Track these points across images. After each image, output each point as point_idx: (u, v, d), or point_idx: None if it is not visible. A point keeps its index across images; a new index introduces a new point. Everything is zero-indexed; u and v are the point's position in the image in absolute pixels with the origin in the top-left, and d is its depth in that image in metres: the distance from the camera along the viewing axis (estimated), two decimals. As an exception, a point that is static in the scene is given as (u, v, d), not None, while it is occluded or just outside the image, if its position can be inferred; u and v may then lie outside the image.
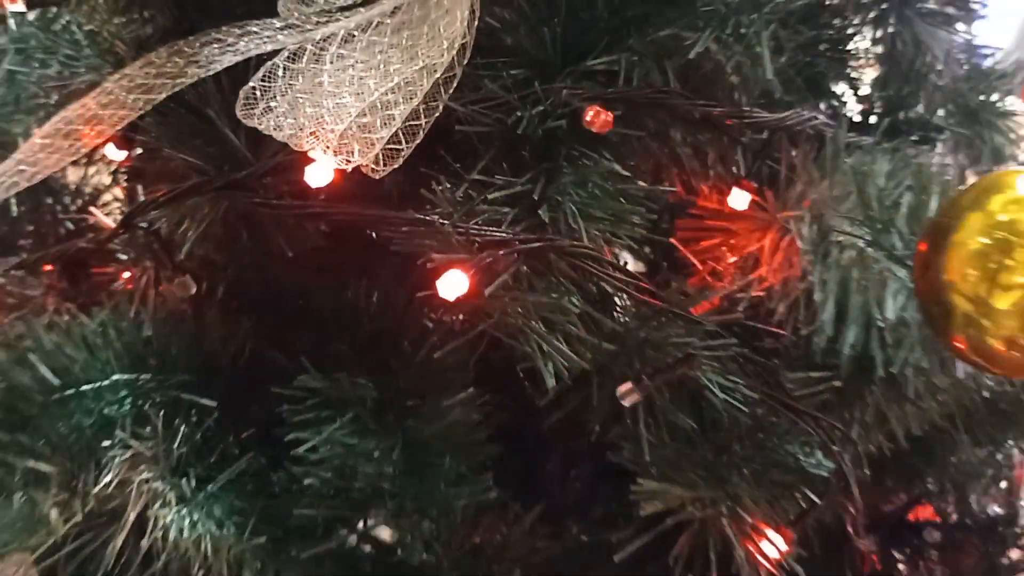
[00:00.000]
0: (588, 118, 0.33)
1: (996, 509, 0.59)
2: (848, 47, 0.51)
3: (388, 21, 0.35)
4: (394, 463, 0.37)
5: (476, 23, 0.34)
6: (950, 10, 0.56)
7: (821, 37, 0.50)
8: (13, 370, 0.36)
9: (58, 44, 0.51)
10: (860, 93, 0.53)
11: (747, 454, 0.37)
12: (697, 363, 0.35)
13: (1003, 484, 0.59)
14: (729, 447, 0.37)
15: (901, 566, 0.56)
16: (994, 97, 0.62)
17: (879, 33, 0.55)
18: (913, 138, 0.53)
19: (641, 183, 0.36)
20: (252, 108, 0.34)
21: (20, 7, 0.47)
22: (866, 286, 0.34)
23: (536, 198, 0.34)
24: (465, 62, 0.34)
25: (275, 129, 0.33)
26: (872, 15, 0.54)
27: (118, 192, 0.62)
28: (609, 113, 0.33)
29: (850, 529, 0.44)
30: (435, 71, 0.33)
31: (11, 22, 0.57)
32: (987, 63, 0.63)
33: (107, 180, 0.61)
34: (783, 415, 0.37)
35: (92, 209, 0.51)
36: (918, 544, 0.57)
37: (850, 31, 0.52)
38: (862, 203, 0.35)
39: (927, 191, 0.33)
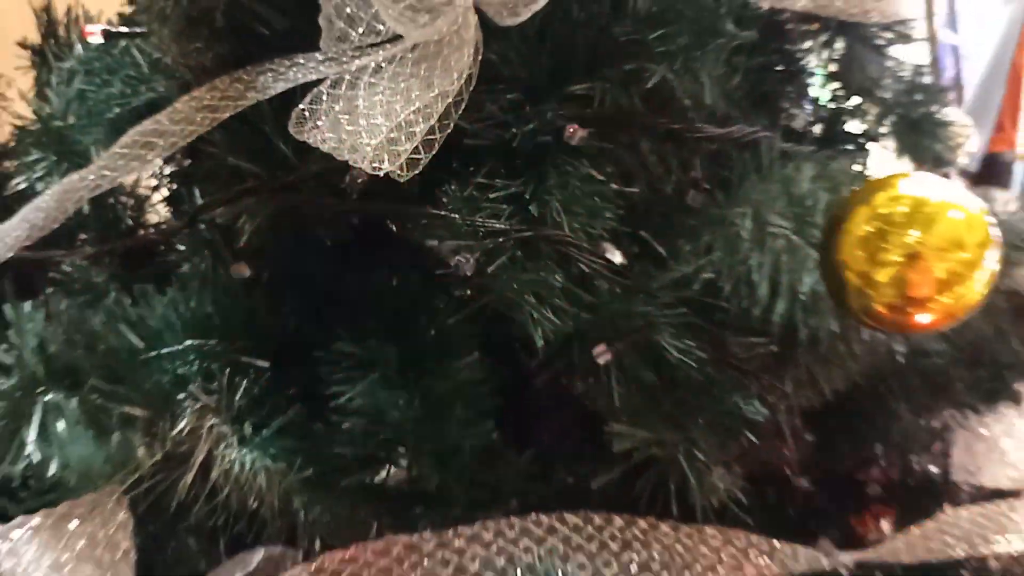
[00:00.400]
0: (568, 133, 0.42)
1: (933, 468, 0.67)
2: (798, 69, 0.60)
3: (409, 56, 0.43)
4: (414, 411, 0.45)
5: (479, 57, 0.43)
6: (888, 35, 0.65)
7: (774, 61, 0.59)
8: (109, 336, 0.45)
9: (120, 67, 0.60)
10: (809, 108, 0.62)
11: (699, 404, 0.45)
12: (657, 329, 0.44)
13: (938, 447, 0.68)
14: (685, 399, 0.45)
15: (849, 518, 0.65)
16: (933, 109, 0.71)
17: (827, 56, 0.65)
18: (850, 147, 0.62)
19: (613, 185, 0.45)
20: (302, 126, 0.43)
21: (99, 37, 0.56)
22: (791, 268, 0.43)
23: (528, 197, 0.43)
24: (471, 89, 0.43)
25: (321, 143, 0.42)
26: (821, 40, 0.63)
27: (164, 193, 0.71)
28: (585, 130, 0.41)
29: (786, 468, 0.52)
30: (447, 97, 0.42)
31: (78, 47, 0.66)
32: (926, 80, 0.72)
33: (153, 183, 0.70)
34: (729, 373, 0.45)
35: (157, 207, 0.59)
36: (864, 498, 0.66)
37: (800, 55, 0.60)
38: (790, 201, 0.44)
39: (839, 190, 0.42)
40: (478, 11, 0.43)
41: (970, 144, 2.26)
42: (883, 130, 0.69)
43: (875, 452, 0.63)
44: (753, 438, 0.46)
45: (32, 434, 0.42)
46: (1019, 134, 2.44)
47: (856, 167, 0.43)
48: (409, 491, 0.46)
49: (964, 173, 2.49)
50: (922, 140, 0.71)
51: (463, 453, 0.45)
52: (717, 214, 0.47)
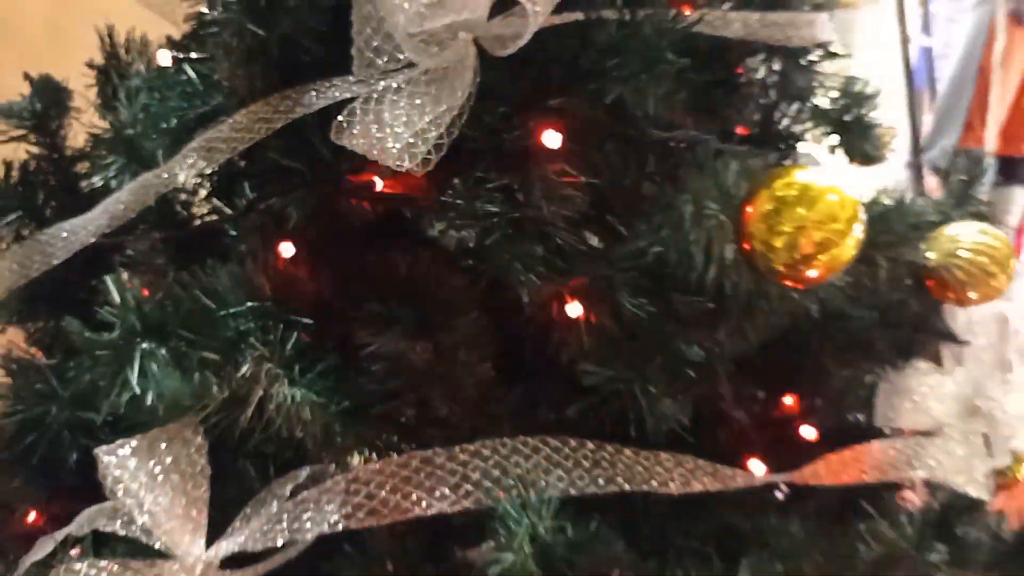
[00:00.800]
0: (546, 138, 0.54)
1: (859, 417, 0.80)
2: (740, 83, 0.73)
3: (423, 79, 0.55)
4: (427, 357, 0.57)
5: (477, 79, 0.55)
6: (820, 52, 0.78)
7: (719, 76, 0.71)
8: (187, 300, 0.57)
9: (177, 84, 0.72)
10: (750, 114, 0.75)
11: (651, 349, 0.58)
12: (617, 290, 0.56)
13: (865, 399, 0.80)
14: (639, 345, 0.58)
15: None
16: (862, 113, 0.84)
17: (768, 70, 0.77)
18: (782, 147, 0.75)
19: (582, 178, 0.57)
20: (340, 133, 0.55)
21: (166, 61, 0.68)
22: (720, 241, 0.55)
23: (515, 188, 0.55)
24: (470, 103, 0.55)
25: (356, 146, 0.54)
26: (762, 58, 0.76)
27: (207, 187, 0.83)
28: (559, 135, 0.54)
29: (723, 404, 0.65)
30: (453, 110, 0.54)
31: (140, 67, 0.78)
32: (857, 88, 0.84)
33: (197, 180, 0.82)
34: (674, 324, 0.58)
35: (214, 200, 0.71)
36: (800, 444, 0.78)
37: (741, 72, 0.73)
38: (719, 190, 0.56)
39: (755, 180, 0.54)
40: (476, 44, 0.55)
41: (946, 141, 2.40)
42: (818, 132, 0.82)
43: (811, 400, 0.76)
44: (693, 375, 0.58)
45: (134, 374, 0.54)
46: (987, 132, 2.57)
47: (769, 162, 0.55)
48: (423, 419, 0.58)
49: (936, 169, 2.62)
50: (853, 140, 0.84)
51: (466, 389, 0.58)
52: (665, 201, 0.59)
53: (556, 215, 0.55)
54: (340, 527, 0.56)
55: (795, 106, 0.77)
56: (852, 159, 0.85)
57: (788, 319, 0.61)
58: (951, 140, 2.59)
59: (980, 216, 0.74)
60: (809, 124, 0.81)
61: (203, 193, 0.78)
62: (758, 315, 0.58)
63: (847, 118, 0.82)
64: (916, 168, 2.64)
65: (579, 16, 0.55)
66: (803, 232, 0.48)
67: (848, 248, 0.49)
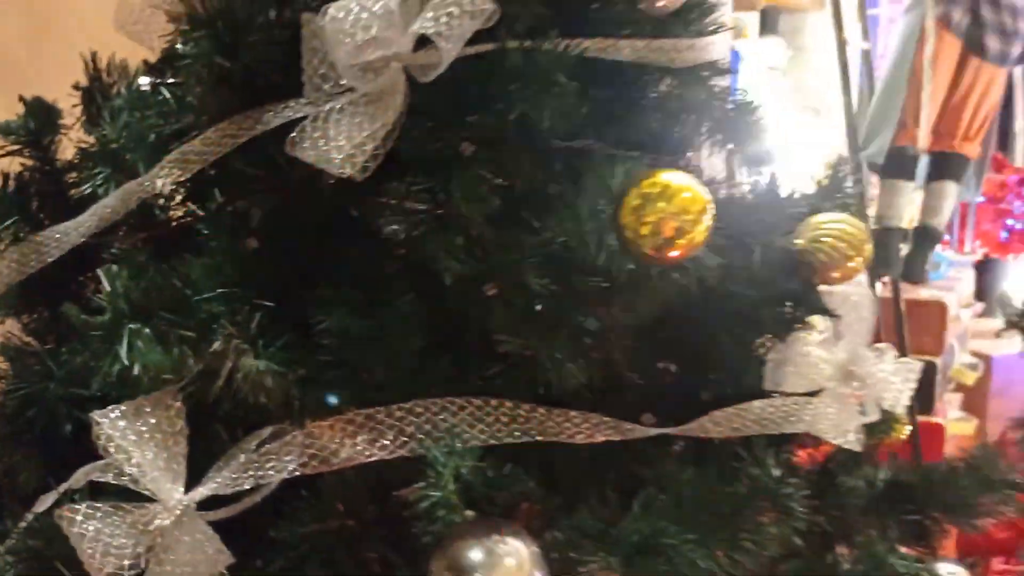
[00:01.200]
0: (463, 149, 0.66)
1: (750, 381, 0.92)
2: (636, 97, 0.85)
3: (362, 100, 0.67)
4: (370, 331, 0.69)
5: (406, 100, 0.67)
6: (708, 71, 0.90)
7: (620, 92, 0.83)
8: (167, 287, 0.68)
9: (155, 104, 0.83)
10: (649, 125, 0.87)
11: (556, 321, 0.70)
12: (526, 273, 0.68)
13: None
14: (546, 317, 0.70)
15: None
16: (749, 122, 0.97)
17: (663, 88, 0.89)
18: (677, 153, 0.87)
19: (499, 181, 0.69)
20: (294, 146, 0.66)
21: (146, 85, 0.79)
22: (608, 231, 0.67)
23: (439, 191, 0.67)
24: (401, 121, 0.67)
25: (306, 157, 0.65)
26: (655, 77, 0.88)
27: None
28: (474, 146, 0.66)
29: (621, 369, 0.77)
30: (387, 126, 0.66)
31: (122, 88, 0.89)
32: (745, 99, 0.97)
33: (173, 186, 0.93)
34: (574, 300, 0.70)
35: (189, 204, 0.82)
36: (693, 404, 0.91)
37: (638, 89, 0.85)
38: (608, 189, 0.68)
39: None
40: (406, 72, 0.67)
41: (881, 139, 2.58)
42: (710, 138, 0.94)
43: (705, 365, 0.88)
44: (591, 343, 0.70)
45: (123, 349, 0.65)
46: (920, 130, 2.73)
47: (643, 165, 0.67)
48: (367, 383, 0.69)
49: (872, 166, 2.80)
50: (744, 145, 0.96)
51: (401, 357, 0.69)
52: (568, 199, 0.71)
53: (474, 212, 0.67)
54: (297, 474, 0.67)
55: (691, 117, 0.89)
56: (745, 164, 0.98)
57: (673, 296, 0.73)
58: (886, 138, 2.75)
59: (845, 207, 0.87)
60: (705, 133, 0.94)
61: (179, 198, 0.89)
62: (643, 292, 0.70)
63: (735, 127, 0.95)
64: (854, 165, 2.80)
65: (489, 47, 0.67)
66: (663, 222, 0.60)
67: (700, 233, 0.61)
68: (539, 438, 0.72)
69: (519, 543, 0.63)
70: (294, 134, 0.66)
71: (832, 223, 0.82)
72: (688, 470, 0.77)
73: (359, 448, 0.67)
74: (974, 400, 3.69)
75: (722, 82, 0.92)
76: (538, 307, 0.70)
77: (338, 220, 0.73)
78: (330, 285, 0.70)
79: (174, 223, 0.83)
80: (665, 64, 0.78)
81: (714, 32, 0.84)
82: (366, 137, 0.65)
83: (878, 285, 2.97)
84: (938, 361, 3.19)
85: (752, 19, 3.60)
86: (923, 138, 2.73)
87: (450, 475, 0.64)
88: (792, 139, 3.83)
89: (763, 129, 0.96)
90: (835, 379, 0.89)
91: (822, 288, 0.90)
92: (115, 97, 0.86)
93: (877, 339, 2.78)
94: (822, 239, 0.81)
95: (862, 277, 0.94)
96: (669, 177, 0.62)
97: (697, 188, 0.62)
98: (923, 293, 3.24)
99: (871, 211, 2.84)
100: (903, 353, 3.04)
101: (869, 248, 0.83)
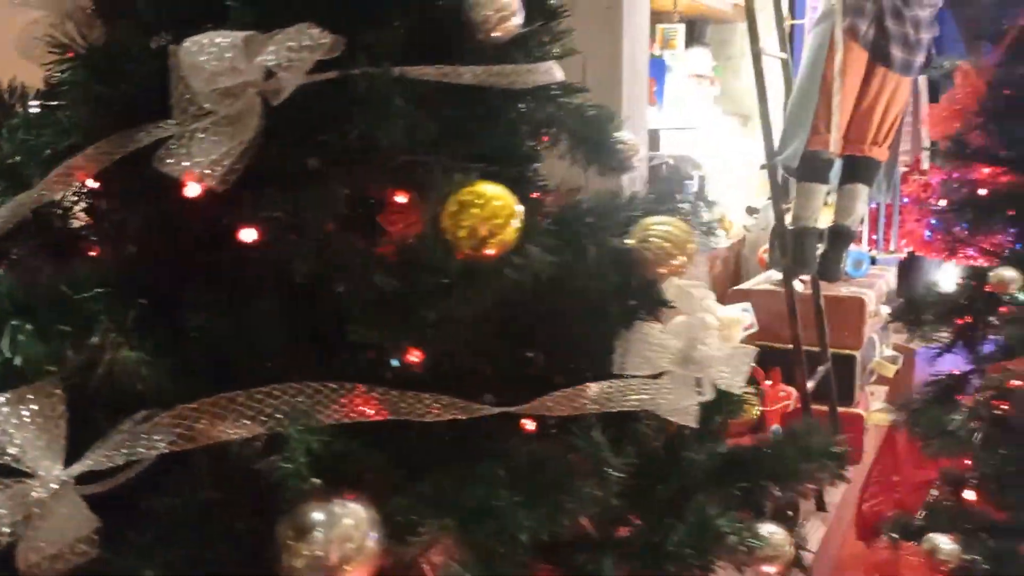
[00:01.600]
0: (310, 165, 0.75)
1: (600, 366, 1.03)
2: (492, 117, 0.95)
3: (222, 121, 0.76)
4: (238, 325, 0.78)
5: (261, 121, 0.76)
6: (561, 91, 1.00)
7: (471, 111, 0.93)
8: (51, 288, 0.76)
9: (49, 123, 0.91)
10: (500, 139, 0.97)
11: (400, 312, 0.79)
12: (372, 270, 0.78)
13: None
14: (391, 309, 0.79)
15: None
16: (606, 132, 1.07)
17: (520, 107, 0.99)
18: (526, 164, 0.97)
19: (346, 190, 0.79)
20: (162, 162, 0.75)
21: (36, 108, 0.88)
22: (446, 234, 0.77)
23: (291, 201, 0.76)
24: (257, 140, 0.76)
25: (173, 171, 0.74)
26: (511, 98, 0.98)
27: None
28: (318, 160, 0.75)
29: (466, 356, 0.87)
30: (243, 144, 0.75)
31: (20, 108, 0.97)
32: (601, 113, 1.07)
33: (74, 198, 1.02)
34: (417, 292, 0.80)
35: (80, 214, 0.91)
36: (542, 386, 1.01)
37: (491, 108, 0.95)
38: (443, 197, 0.78)
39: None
40: (261, 95, 0.76)
41: (795, 145, 2.72)
42: (569, 149, 1.04)
43: (554, 351, 0.98)
44: (434, 333, 0.80)
45: (6, 342, 0.73)
46: (831, 135, 2.87)
47: (470, 175, 0.77)
48: (233, 369, 0.78)
49: (788, 169, 2.93)
50: (600, 155, 1.07)
51: (263, 349, 0.78)
52: (416, 205, 0.81)
53: (323, 219, 0.77)
54: (167, 451, 0.76)
55: (542, 131, 1.00)
56: (601, 172, 1.08)
57: (510, 289, 0.83)
58: (800, 143, 2.88)
59: (676, 212, 0.98)
60: (560, 145, 1.04)
61: (75, 208, 0.97)
62: (477, 286, 0.80)
63: (593, 137, 1.05)
64: (771, 170, 2.94)
65: (332, 74, 0.76)
66: (477, 225, 0.71)
67: (510, 233, 0.71)
68: (391, 417, 0.82)
69: (357, 507, 0.73)
70: (161, 151, 0.75)
71: (660, 225, 0.92)
72: (529, 445, 0.87)
73: (221, 427, 0.76)
74: (898, 392, 3.87)
75: (577, 99, 1.03)
76: (385, 302, 0.79)
77: (208, 228, 0.82)
78: (200, 286, 0.79)
79: (68, 231, 0.91)
80: (507, 86, 0.88)
81: (558, 57, 0.94)
82: (223, 154, 0.74)
83: (797, 283, 3.12)
84: (857, 355, 3.35)
85: (679, 30, 3.75)
86: (835, 143, 2.87)
87: (301, 449, 0.73)
88: (721, 144, 3.99)
89: (620, 141, 1.07)
90: (675, 363, 1.00)
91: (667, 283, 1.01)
92: (15, 117, 0.94)
93: (796, 334, 2.90)
94: (650, 239, 0.92)
95: (699, 271, 1.05)
96: (484, 187, 0.72)
97: (507, 196, 0.72)
98: (843, 290, 3.40)
99: (788, 213, 2.98)
100: (823, 347, 3.21)
101: (692, 247, 0.94)
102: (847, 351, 3.31)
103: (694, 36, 3.94)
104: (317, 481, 0.73)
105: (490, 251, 0.72)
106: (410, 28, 0.85)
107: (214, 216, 0.80)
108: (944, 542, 1.19)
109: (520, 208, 0.72)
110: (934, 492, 1.31)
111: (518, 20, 0.85)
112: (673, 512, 0.97)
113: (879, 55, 2.85)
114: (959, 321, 1.71)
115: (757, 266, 3.79)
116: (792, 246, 2.92)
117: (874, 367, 3.52)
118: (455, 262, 0.76)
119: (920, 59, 2.88)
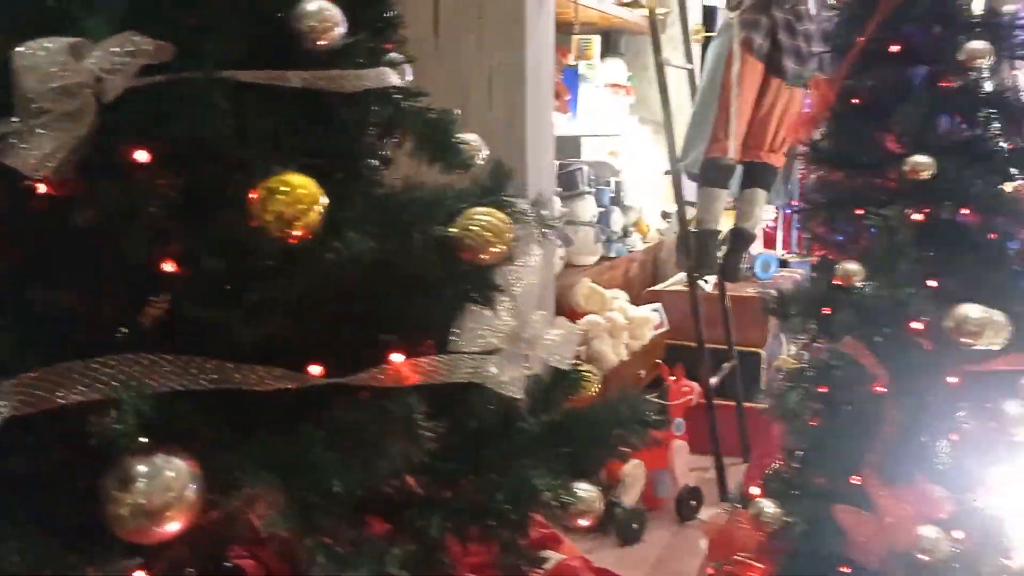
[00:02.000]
0: (137, 156, 0.84)
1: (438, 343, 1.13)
2: (328, 118, 1.05)
3: (59, 117, 0.84)
4: (74, 304, 0.86)
5: (95, 117, 0.85)
6: (402, 95, 1.11)
7: (309, 113, 1.03)
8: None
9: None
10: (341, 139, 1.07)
11: (230, 293, 0.89)
12: (201, 253, 0.87)
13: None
14: (222, 290, 0.88)
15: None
16: (448, 134, 1.18)
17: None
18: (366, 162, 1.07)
19: (178, 181, 0.88)
20: (4, 154, 0.83)
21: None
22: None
23: (122, 188, 0.85)
24: (93, 133, 0.85)
25: (13, 164, 0.83)
26: (349, 100, 1.08)
27: None
28: (149, 153, 0.84)
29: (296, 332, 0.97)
30: (79, 139, 0.84)
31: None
32: (444, 116, 1.18)
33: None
34: (243, 276, 0.89)
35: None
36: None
37: (328, 109, 1.05)
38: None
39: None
40: (95, 95, 0.85)
41: (696, 151, 2.88)
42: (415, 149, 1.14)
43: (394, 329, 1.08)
44: (262, 312, 0.89)
45: None
46: (730, 142, 3.03)
47: (288, 169, 0.87)
48: (75, 343, 0.87)
49: (690, 175, 3.10)
50: (444, 154, 1.17)
51: (102, 322, 0.87)
52: (235, 196, 0.90)
53: (152, 205, 0.86)
54: (10, 415, 0.84)
55: (385, 131, 1.10)
56: (447, 169, 1.18)
57: (338, 273, 0.93)
58: (700, 150, 3.04)
59: (500, 204, 1.08)
60: (406, 145, 1.14)
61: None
62: (298, 269, 0.90)
63: (436, 139, 1.16)
64: (675, 175, 3.09)
65: (161, 78, 0.85)
66: (282, 210, 0.80)
67: (314, 216, 0.81)
68: (224, 386, 0.91)
69: (179, 461, 0.81)
70: (1, 144, 0.84)
71: (481, 215, 1.03)
72: (353, 412, 0.96)
73: (59, 393, 0.84)
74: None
75: (420, 102, 1.13)
76: (213, 282, 0.88)
77: (55, 218, 0.90)
78: (45, 271, 0.88)
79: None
80: (336, 89, 0.97)
81: (388, 65, 1.04)
82: (57, 147, 0.83)
83: (703, 283, 3.27)
84: (762, 351, 3.51)
85: (595, 41, 3.90)
86: (733, 150, 3.03)
87: (133, 411, 0.82)
88: (637, 151, 4.14)
89: (463, 141, 1.17)
90: (506, 341, 1.11)
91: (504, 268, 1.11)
92: None
93: (699, 332, 3.06)
94: (471, 228, 1.02)
95: (535, 258, 1.16)
96: (291, 177, 0.82)
97: (311, 185, 0.82)
98: (749, 290, 3.56)
99: (691, 216, 3.13)
100: (729, 345, 3.36)
101: (510, 236, 1.05)
102: (753, 349, 3.46)
103: (609, 47, 4.09)
104: (145, 440, 0.82)
105: (297, 232, 0.81)
106: (248, 37, 0.95)
107: (57, 202, 0.89)
108: (767, 506, 1.31)
109: (323, 195, 0.82)
110: (775, 466, 1.44)
111: (341, 30, 0.95)
112: (500, 474, 1.07)
113: (773, 67, 3.02)
114: (824, 312, 1.85)
115: (673, 268, 3.94)
116: (695, 248, 3.07)
117: (780, 364, 3.68)
118: (273, 245, 0.85)
119: (811, 70, 3.05)
